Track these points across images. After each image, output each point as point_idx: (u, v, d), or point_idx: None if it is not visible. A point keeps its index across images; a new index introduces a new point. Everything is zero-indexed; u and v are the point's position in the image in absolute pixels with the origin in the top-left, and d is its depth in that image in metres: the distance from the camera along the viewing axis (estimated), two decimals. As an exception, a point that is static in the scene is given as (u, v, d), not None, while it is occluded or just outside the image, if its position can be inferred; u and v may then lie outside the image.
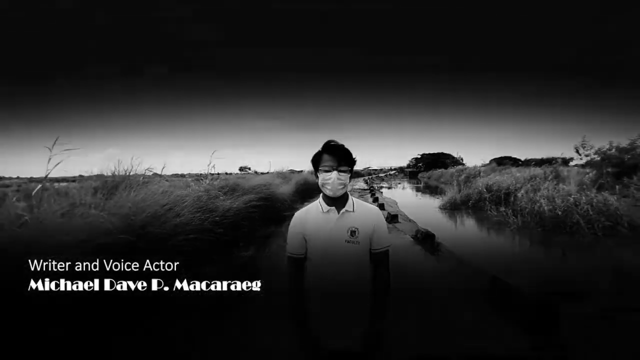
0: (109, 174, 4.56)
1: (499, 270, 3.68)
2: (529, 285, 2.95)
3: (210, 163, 7.89)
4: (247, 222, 6.06)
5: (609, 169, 16.85)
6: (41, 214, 2.60)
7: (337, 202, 1.32)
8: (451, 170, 30.60)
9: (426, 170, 49.55)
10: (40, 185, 3.20)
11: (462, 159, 52.83)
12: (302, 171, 22.21)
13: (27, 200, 3.11)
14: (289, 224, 1.38)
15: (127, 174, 4.62)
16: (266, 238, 6.40)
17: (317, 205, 1.36)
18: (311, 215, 1.34)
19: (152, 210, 3.28)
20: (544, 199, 9.64)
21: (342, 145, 1.31)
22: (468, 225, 10.31)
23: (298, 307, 1.30)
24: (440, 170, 38.01)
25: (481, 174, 17.01)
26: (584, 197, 9.34)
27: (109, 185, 3.95)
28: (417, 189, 26.51)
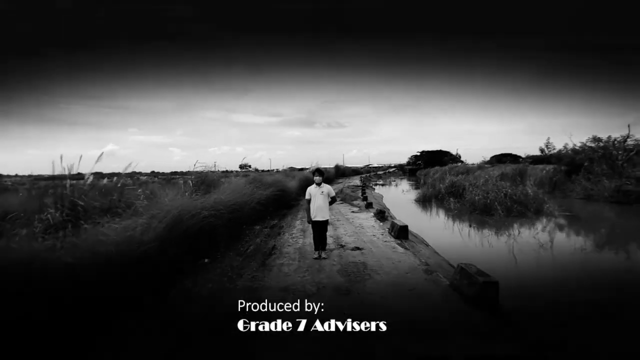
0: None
1: (412, 225, 7.44)
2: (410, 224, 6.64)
3: (242, 164, 11.79)
4: (273, 203, 9.85)
5: (562, 168, 20.11)
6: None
7: (319, 185, 5.12)
8: (444, 168, 32.84)
9: (425, 167, 51.12)
10: (181, 179, 6.99)
11: (459, 156, 55.18)
12: (302, 169, 25.62)
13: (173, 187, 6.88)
14: (296, 209, 5.35)
15: (208, 171, 8.40)
16: (283, 215, 10.15)
17: (314, 185, 5.15)
18: (312, 187, 5.16)
19: (241, 192, 7.13)
20: (482, 192, 13.26)
21: (320, 168, 5.09)
22: (423, 209, 14.17)
23: (308, 210, 5.11)
24: (436, 167, 39.88)
25: (445, 173, 20.48)
26: (510, 190, 12.97)
27: (207, 181, 7.73)
28: (410, 186, 29.65)
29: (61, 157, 4.42)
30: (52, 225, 3.90)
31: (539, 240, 7.54)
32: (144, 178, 11.30)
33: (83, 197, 4.45)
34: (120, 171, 5.72)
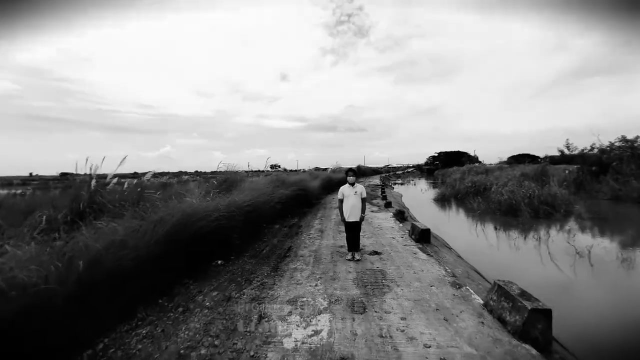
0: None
1: (433, 226, 7.23)
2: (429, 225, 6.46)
3: (265, 166, 12.07)
4: (294, 202, 9.88)
5: (591, 168, 19.17)
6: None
7: (352, 185, 5.02)
8: (462, 168, 32.45)
9: (442, 168, 50.74)
10: (216, 178, 7.12)
11: (477, 157, 54.08)
12: (326, 169, 25.72)
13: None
14: (317, 208, 5.40)
15: (230, 170, 8.51)
16: (303, 214, 10.16)
17: (347, 184, 5.04)
18: (345, 187, 5.07)
19: (261, 191, 7.18)
20: (507, 192, 12.73)
21: (353, 168, 5.22)
22: (442, 209, 13.77)
23: (341, 209, 5.04)
24: (454, 167, 39.47)
25: (465, 173, 19.86)
26: (537, 191, 12.39)
27: (229, 181, 7.83)
28: (428, 185, 29.27)
29: (87, 159, 4.54)
30: (51, 227, 3.77)
31: (575, 247, 6.89)
32: (185, 177, 11.63)
33: (99, 198, 4.46)
34: (171, 171, 6.04)
